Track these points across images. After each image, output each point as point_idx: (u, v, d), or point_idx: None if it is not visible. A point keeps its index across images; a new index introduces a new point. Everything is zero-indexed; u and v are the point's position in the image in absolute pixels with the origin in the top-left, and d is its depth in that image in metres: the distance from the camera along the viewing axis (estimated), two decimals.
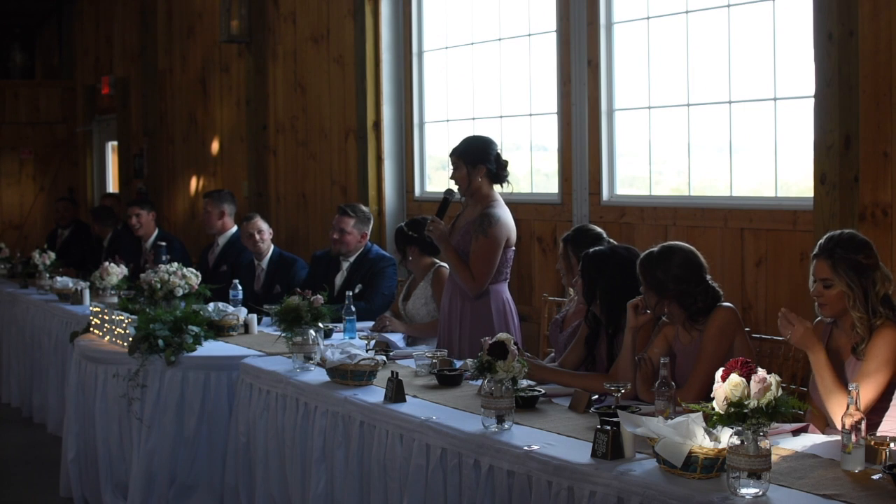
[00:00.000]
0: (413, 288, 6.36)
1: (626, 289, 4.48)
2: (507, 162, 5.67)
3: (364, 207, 7.18)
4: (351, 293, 6.06)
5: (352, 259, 6.97)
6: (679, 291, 4.24)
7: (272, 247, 7.79)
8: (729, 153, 5.73)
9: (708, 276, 4.31)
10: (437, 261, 6.30)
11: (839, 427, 3.41)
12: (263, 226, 7.71)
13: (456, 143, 5.74)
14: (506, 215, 5.62)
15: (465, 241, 5.59)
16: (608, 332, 4.65)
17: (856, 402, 3.31)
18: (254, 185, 9.78)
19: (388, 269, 6.91)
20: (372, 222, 7.05)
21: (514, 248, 5.70)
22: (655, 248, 4.35)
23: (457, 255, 5.58)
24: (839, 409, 3.60)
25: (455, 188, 5.67)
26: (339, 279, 6.96)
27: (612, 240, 5.17)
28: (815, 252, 3.94)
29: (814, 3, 4.88)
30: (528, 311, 6.69)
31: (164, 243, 8.20)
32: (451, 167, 5.67)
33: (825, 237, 3.95)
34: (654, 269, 4.28)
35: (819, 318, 4.02)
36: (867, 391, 3.68)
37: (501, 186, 5.69)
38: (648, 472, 3.30)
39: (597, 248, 4.80)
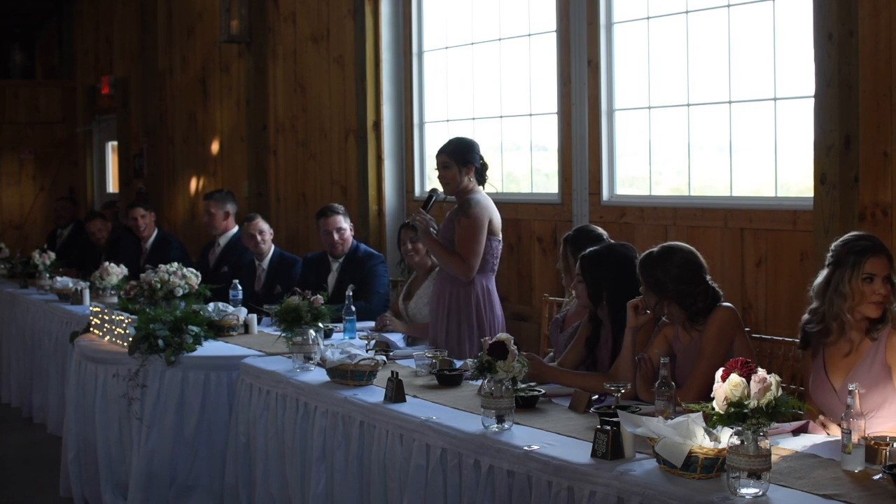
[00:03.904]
0: (415, 287, 6.36)
1: (631, 286, 4.46)
2: (487, 165, 5.78)
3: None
4: (351, 293, 6.07)
5: (341, 259, 6.99)
6: (679, 292, 4.23)
7: (273, 247, 7.79)
8: (729, 153, 5.72)
9: (708, 277, 4.31)
10: None
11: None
12: (265, 226, 7.71)
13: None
14: (486, 201, 5.69)
15: (449, 229, 5.67)
16: (614, 332, 4.63)
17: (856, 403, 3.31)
18: (254, 185, 9.78)
19: (378, 268, 6.93)
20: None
21: (499, 238, 5.72)
22: (655, 249, 4.35)
23: (440, 244, 5.67)
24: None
25: (440, 188, 5.73)
26: (331, 280, 6.98)
27: (611, 240, 5.16)
28: (863, 249, 3.81)
29: (814, 3, 4.88)
30: (528, 311, 6.70)
31: None
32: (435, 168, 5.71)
33: (856, 235, 3.89)
34: (653, 270, 4.27)
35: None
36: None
37: (483, 187, 5.77)
38: (648, 472, 3.30)
39: (595, 249, 4.78)
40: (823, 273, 3.90)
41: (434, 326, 5.81)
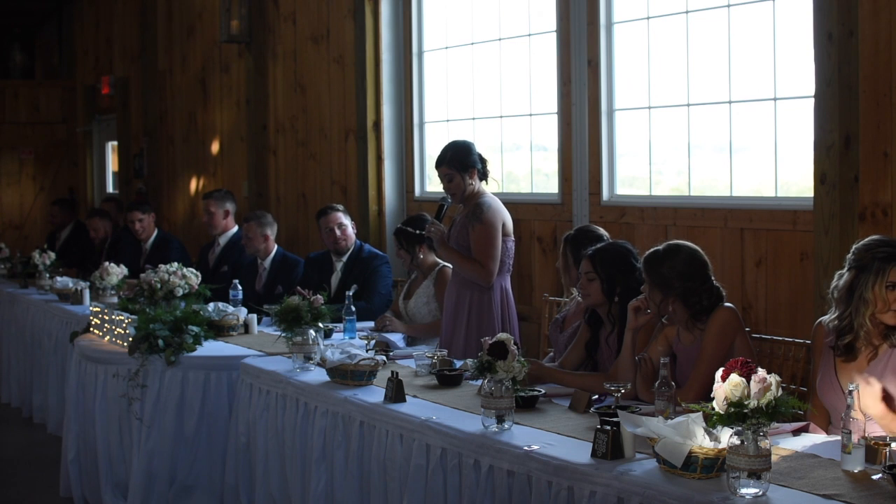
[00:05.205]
0: (415, 287, 6.36)
1: (641, 282, 4.46)
2: (486, 160, 5.83)
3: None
4: (350, 293, 6.06)
5: (345, 259, 6.99)
6: (684, 289, 4.23)
7: (275, 247, 7.77)
8: (729, 153, 5.72)
9: (711, 275, 4.31)
10: (441, 261, 6.31)
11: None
12: (260, 230, 7.60)
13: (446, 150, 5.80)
14: (496, 203, 5.75)
15: (463, 235, 5.67)
16: (620, 329, 4.61)
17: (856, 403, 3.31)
18: (254, 185, 9.78)
19: (382, 268, 6.93)
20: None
21: (512, 238, 5.80)
22: (660, 247, 4.35)
23: (458, 253, 5.69)
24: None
25: (448, 197, 5.77)
26: (334, 280, 6.98)
27: (611, 240, 5.15)
28: (887, 255, 3.73)
29: (814, 3, 4.88)
30: (528, 311, 6.69)
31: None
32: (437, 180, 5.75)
33: (880, 240, 3.82)
34: (659, 267, 4.27)
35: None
36: None
37: (486, 183, 5.82)
38: (648, 472, 3.30)
39: (604, 245, 4.78)
40: (844, 276, 3.83)
41: (450, 332, 5.78)
